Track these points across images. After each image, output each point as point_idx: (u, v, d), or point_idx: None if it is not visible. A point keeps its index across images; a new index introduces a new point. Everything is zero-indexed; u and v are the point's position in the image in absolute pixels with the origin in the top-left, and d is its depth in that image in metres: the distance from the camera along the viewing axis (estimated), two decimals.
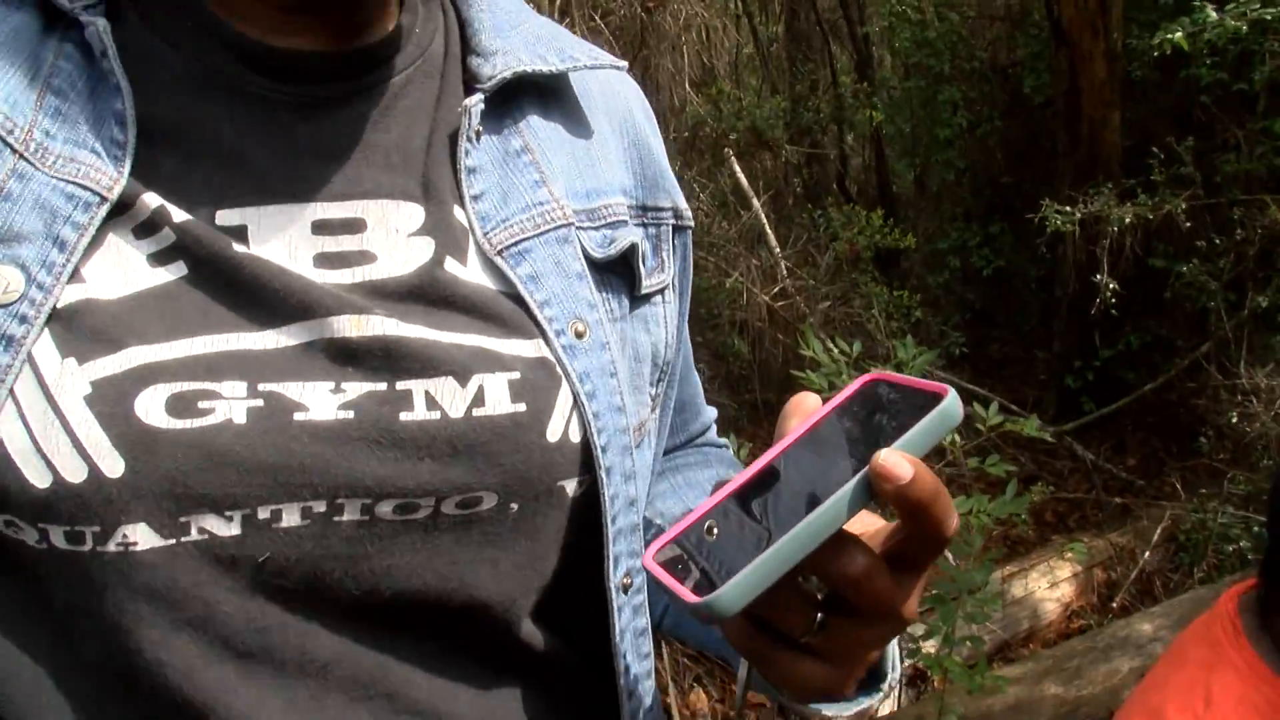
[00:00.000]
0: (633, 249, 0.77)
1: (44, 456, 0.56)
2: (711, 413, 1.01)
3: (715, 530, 0.56)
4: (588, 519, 0.69)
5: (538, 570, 0.69)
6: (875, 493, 0.52)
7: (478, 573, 0.66)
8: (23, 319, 0.58)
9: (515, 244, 0.71)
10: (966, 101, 6.96)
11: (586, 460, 0.68)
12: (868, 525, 0.60)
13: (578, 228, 0.74)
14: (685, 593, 0.53)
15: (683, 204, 0.86)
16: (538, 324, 0.69)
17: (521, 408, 0.65)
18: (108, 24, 0.63)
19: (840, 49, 8.04)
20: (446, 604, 0.65)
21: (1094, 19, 5.30)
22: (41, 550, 0.58)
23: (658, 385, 0.82)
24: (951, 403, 0.53)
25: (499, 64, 0.73)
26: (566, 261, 0.72)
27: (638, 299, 0.79)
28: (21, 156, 0.60)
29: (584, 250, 0.74)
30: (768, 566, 0.51)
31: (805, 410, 0.60)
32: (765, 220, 5.46)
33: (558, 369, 0.68)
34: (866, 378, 0.60)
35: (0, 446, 0.56)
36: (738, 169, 5.58)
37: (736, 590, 0.51)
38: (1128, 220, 4.79)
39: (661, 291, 0.82)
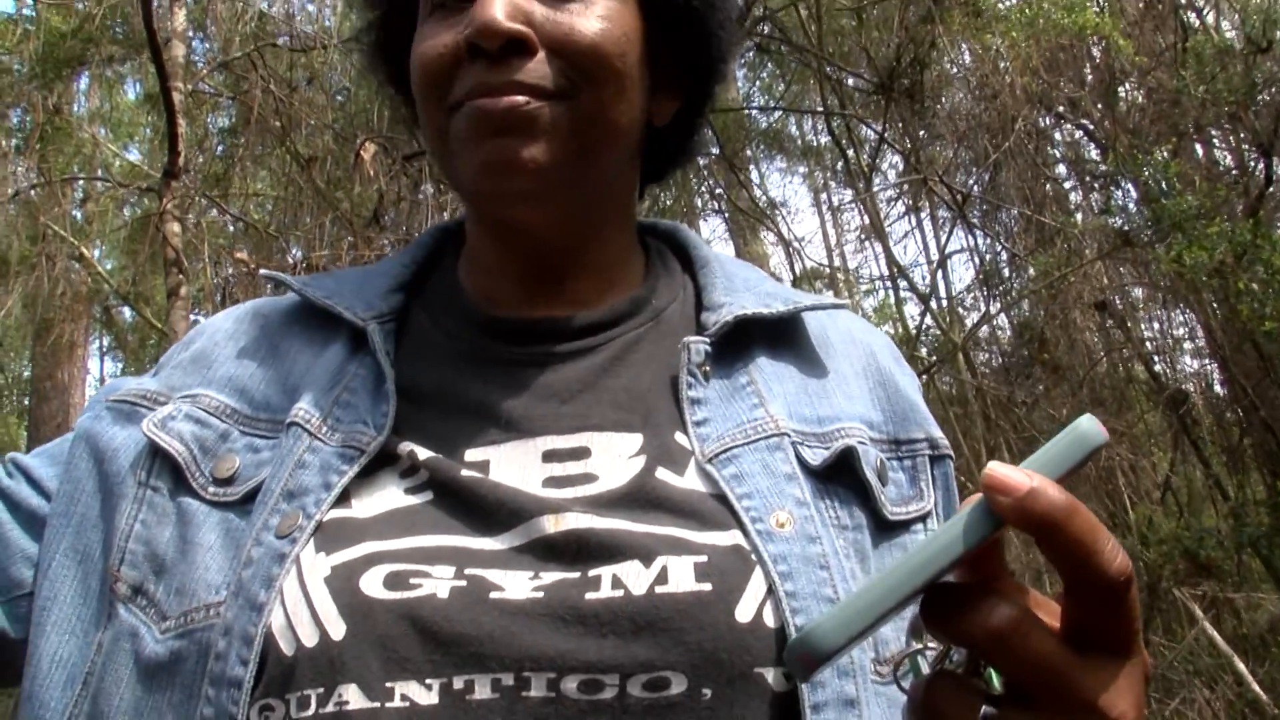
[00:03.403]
0: (849, 452, 0.79)
1: (292, 629, 0.66)
2: None
3: None
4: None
5: None
6: (996, 517, 0.47)
7: None
8: (294, 541, 0.70)
9: (725, 451, 0.76)
10: None
11: None
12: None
13: (794, 441, 0.79)
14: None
15: (937, 434, 0.88)
16: (737, 517, 0.72)
17: (706, 587, 0.66)
18: (379, 328, 0.82)
19: None
20: None
21: None
22: None
23: None
24: (1084, 422, 0.49)
25: (724, 313, 0.84)
26: (775, 465, 0.76)
27: (892, 525, 0.80)
28: (315, 437, 0.76)
29: (799, 458, 0.78)
30: (873, 595, 0.47)
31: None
32: (1220, 639, 5.18)
33: (751, 556, 0.69)
34: None
35: (268, 630, 0.66)
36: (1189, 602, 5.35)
37: (834, 620, 0.47)
38: None
39: (923, 519, 0.83)
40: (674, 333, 0.86)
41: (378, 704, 0.63)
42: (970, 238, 8.01)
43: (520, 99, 0.75)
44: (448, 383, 0.82)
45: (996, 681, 0.52)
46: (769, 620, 0.66)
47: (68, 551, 0.77)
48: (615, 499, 0.73)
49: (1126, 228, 6.55)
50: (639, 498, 0.73)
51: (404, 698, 0.63)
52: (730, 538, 0.70)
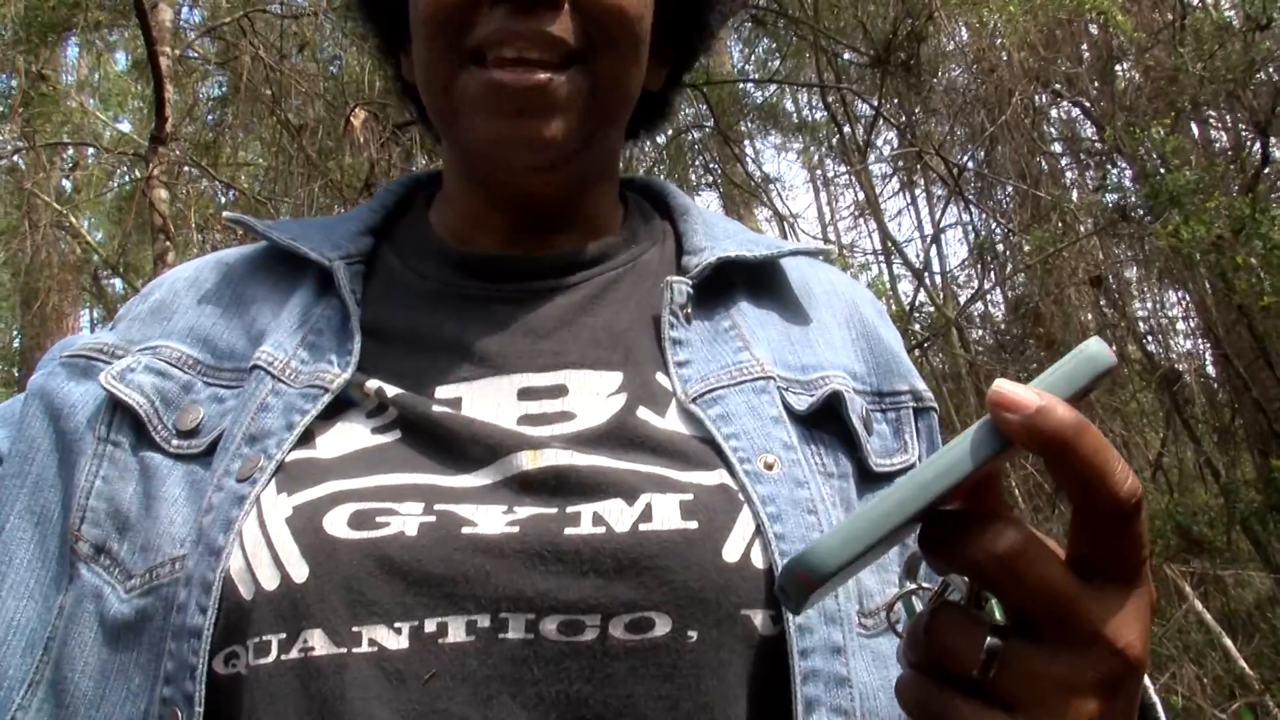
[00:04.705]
0: (835, 397, 0.77)
1: (251, 572, 0.63)
2: None
3: None
4: (786, 665, 0.63)
5: (726, 716, 0.62)
6: (1003, 437, 0.45)
7: (653, 710, 0.60)
8: (254, 481, 0.68)
9: (709, 392, 0.74)
10: None
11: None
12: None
13: (780, 386, 0.77)
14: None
15: (921, 386, 0.87)
16: (723, 457, 0.69)
17: (692, 525, 0.64)
18: (345, 267, 0.80)
19: None
20: None
21: None
22: (246, 675, 0.62)
23: None
24: (1094, 344, 0.47)
25: (706, 255, 0.83)
26: (762, 407, 0.74)
27: (876, 476, 0.78)
28: (278, 380, 0.74)
29: (785, 403, 0.76)
30: (876, 513, 0.44)
31: None
32: (1209, 616, 5.24)
33: (739, 495, 0.67)
34: None
35: (227, 574, 0.63)
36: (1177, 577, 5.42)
37: (835, 538, 0.44)
38: None
39: (906, 472, 0.80)
40: (653, 275, 0.85)
41: (344, 649, 0.61)
42: (965, 213, 7.99)
43: (543, 77, 0.73)
44: (418, 321, 0.80)
45: (999, 613, 0.50)
46: (757, 561, 0.64)
47: (23, 513, 0.73)
48: (595, 437, 0.71)
49: (1123, 203, 6.54)
50: (620, 436, 0.71)
51: (372, 642, 0.61)
52: (716, 477, 0.68)
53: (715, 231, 0.87)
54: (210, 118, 6.87)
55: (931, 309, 7.49)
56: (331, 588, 0.62)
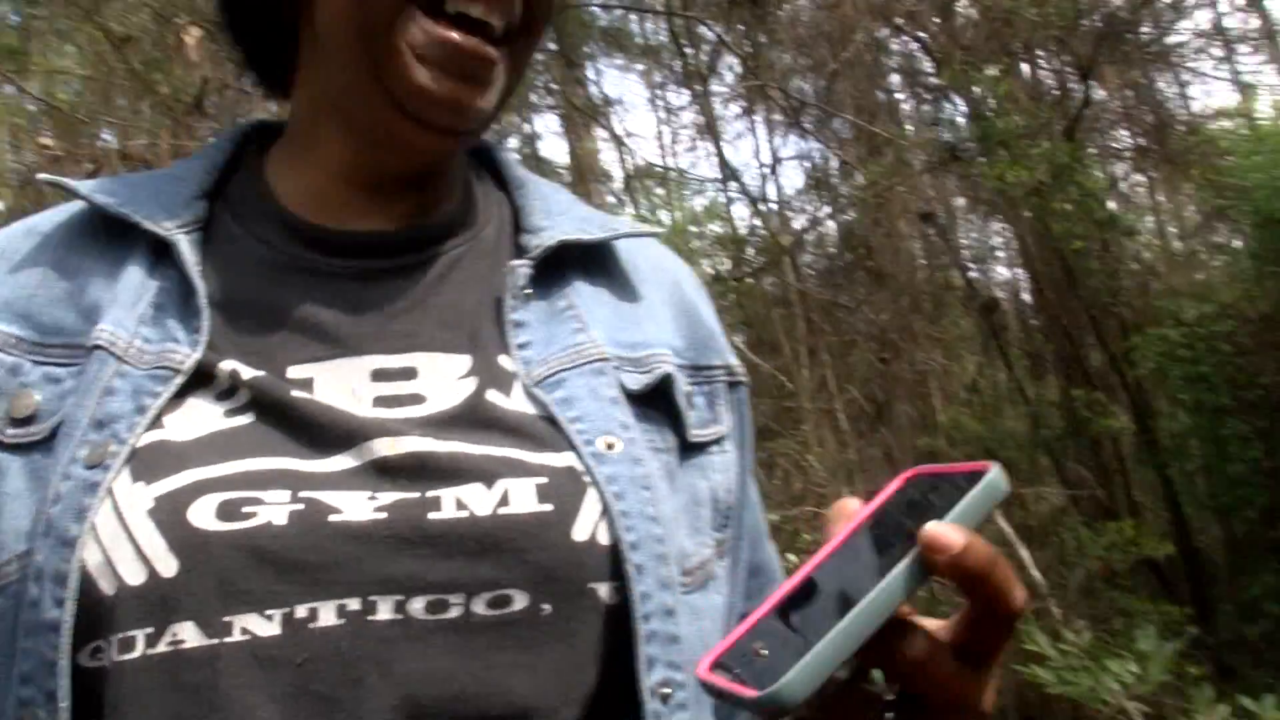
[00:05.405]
0: (667, 379, 0.81)
1: (112, 567, 0.62)
2: None
3: (769, 636, 0.56)
4: (627, 630, 0.68)
5: (578, 679, 0.67)
6: (929, 569, 0.53)
7: (514, 678, 0.65)
8: (106, 468, 0.66)
9: (552, 375, 0.77)
10: (1258, 434, 6.66)
11: (618, 565, 0.69)
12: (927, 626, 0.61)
13: (616, 366, 0.80)
14: (746, 690, 0.52)
15: (734, 361, 0.92)
16: (569, 439, 0.73)
17: (548, 508, 0.68)
18: (186, 238, 0.77)
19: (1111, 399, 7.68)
20: (486, 712, 0.65)
21: None
22: (110, 669, 0.61)
23: (722, 530, 0.85)
24: (996, 475, 0.55)
25: (545, 236, 0.84)
26: (600, 389, 0.77)
27: (692, 446, 0.83)
28: (122, 360, 0.71)
29: (621, 384, 0.80)
30: (832, 648, 0.51)
31: (847, 514, 0.61)
32: (1009, 528, 5.53)
33: (585, 477, 0.71)
34: (906, 473, 0.62)
35: (83, 568, 0.62)
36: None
37: (802, 675, 0.50)
38: None
39: (719, 441, 0.86)
40: (492, 252, 0.86)
41: (216, 640, 0.62)
42: (803, 142, 8.16)
43: (493, 51, 0.76)
44: (266, 296, 0.78)
45: (881, 680, 0.59)
46: (602, 539, 0.69)
47: None
48: (448, 420, 0.73)
49: (954, 142, 6.82)
50: (472, 418, 0.73)
51: (244, 631, 0.62)
52: (564, 459, 0.72)
53: (551, 207, 0.89)
54: (15, 18, 6.35)
55: (766, 233, 7.66)
56: (204, 579, 0.62)
